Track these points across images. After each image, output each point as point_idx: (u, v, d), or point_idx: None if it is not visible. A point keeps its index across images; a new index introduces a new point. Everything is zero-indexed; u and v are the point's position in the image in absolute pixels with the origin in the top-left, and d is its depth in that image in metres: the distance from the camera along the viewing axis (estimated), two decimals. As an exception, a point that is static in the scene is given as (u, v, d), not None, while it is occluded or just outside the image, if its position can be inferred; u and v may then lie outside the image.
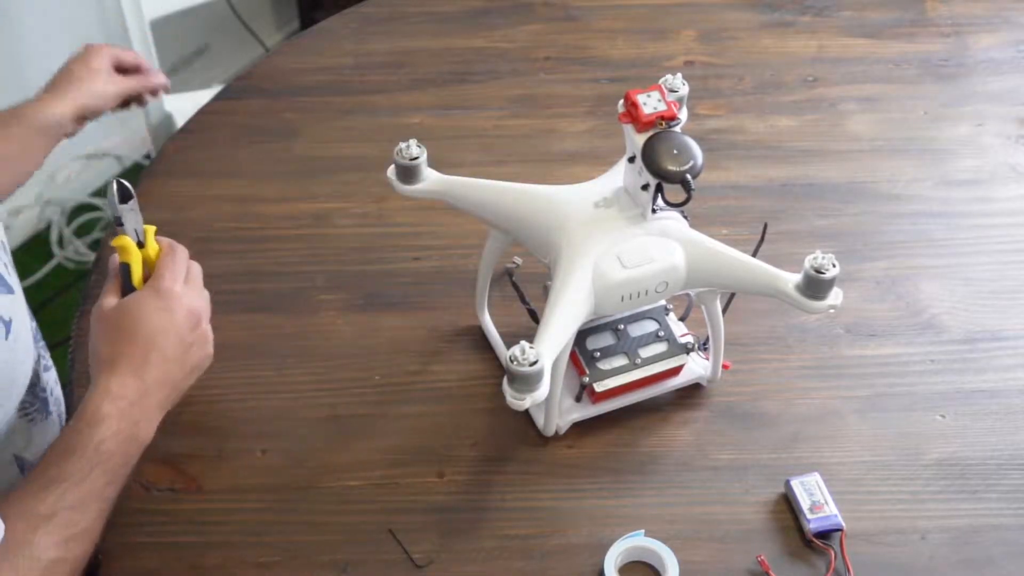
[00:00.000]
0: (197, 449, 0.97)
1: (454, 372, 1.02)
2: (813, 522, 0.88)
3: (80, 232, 2.41)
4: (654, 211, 0.89)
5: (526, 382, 0.78)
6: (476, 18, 1.53)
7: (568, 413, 0.96)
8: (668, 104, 0.86)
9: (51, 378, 1.01)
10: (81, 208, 2.43)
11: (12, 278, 0.91)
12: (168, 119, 2.51)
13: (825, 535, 0.88)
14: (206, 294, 0.95)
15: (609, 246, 0.88)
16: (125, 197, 0.89)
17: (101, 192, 2.45)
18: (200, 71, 2.61)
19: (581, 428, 0.98)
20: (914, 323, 1.08)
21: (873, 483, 0.94)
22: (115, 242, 0.90)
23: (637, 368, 0.96)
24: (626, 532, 0.88)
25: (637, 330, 0.98)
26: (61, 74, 1.19)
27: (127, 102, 1.24)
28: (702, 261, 0.89)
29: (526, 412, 0.97)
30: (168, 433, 0.98)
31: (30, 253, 2.33)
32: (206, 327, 0.93)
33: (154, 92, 1.26)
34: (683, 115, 0.95)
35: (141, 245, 0.91)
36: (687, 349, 0.97)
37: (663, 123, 0.86)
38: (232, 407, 1.00)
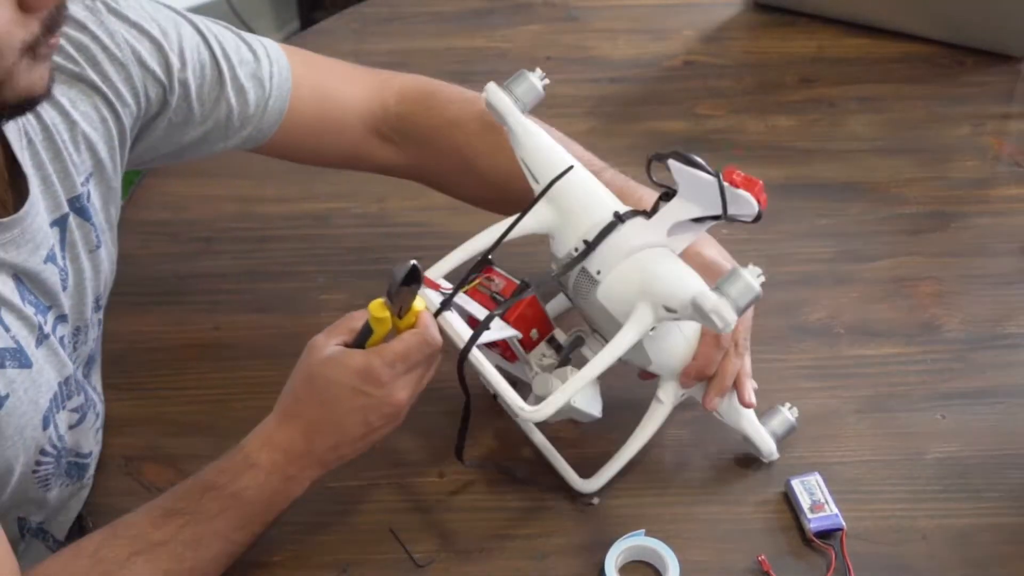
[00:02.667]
0: (197, 449, 0.96)
1: (454, 372, 1.02)
2: (813, 522, 0.88)
3: (80, 232, 2.40)
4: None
5: None
6: (476, 18, 1.53)
7: None
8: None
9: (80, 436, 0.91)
10: (81, 208, 2.43)
11: (37, 350, 0.81)
12: (168, 119, 2.51)
13: (825, 535, 0.88)
14: (414, 387, 0.85)
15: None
16: (410, 280, 0.80)
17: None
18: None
19: (581, 428, 0.98)
20: (914, 323, 1.08)
21: (873, 483, 0.94)
22: (372, 307, 0.81)
23: None
24: (626, 532, 0.88)
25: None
26: None
27: None
28: None
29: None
30: (168, 433, 0.99)
31: (30, 253, 2.33)
32: (398, 420, 0.85)
33: None
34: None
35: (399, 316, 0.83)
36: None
37: None
38: (232, 407, 1.00)
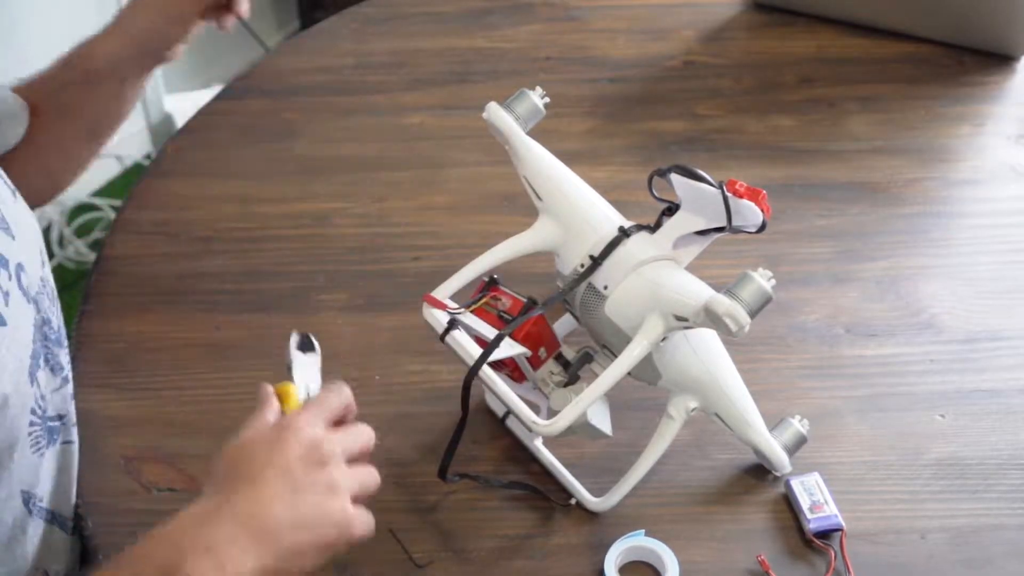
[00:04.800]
0: (197, 449, 0.97)
1: (454, 372, 1.02)
2: (813, 522, 0.88)
3: (80, 232, 2.41)
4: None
5: None
6: (476, 18, 1.53)
7: None
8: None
9: (58, 401, 0.91)
10: (81, 208, 2.43)
11: (10, 310, 0.80)
12: (168, 119, 2.51)
13: (825, 535, 0.88)
14: (355, 443, 0.79)
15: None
16: (305, 347, 0.82)
17: (101, 192, 2.45)
18: (200, 71, 2.61)
19: (581, 428, 0.98)
20: (914, 323, 1.08)
21: (873, 483, 0.94)
22: (278, 388, 0.79)
23: None
24: (626, 532, 0.88)
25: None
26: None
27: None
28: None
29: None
30: (168, 433, 0.99)
31: (30, 253, 2.33)
32: (336, 475, 0.75)
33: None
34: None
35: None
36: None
37: None
38: (232, 407, 1.00)
